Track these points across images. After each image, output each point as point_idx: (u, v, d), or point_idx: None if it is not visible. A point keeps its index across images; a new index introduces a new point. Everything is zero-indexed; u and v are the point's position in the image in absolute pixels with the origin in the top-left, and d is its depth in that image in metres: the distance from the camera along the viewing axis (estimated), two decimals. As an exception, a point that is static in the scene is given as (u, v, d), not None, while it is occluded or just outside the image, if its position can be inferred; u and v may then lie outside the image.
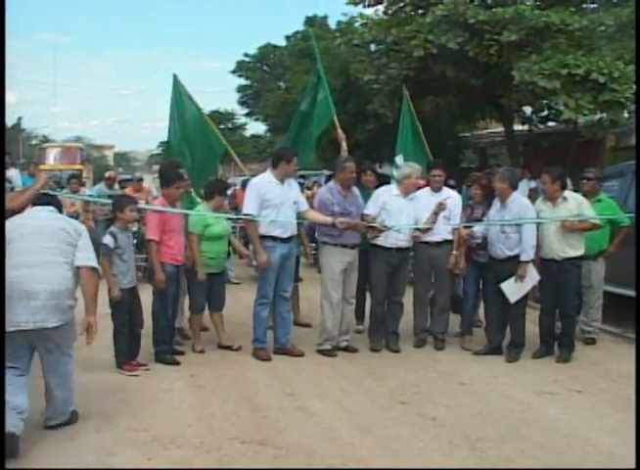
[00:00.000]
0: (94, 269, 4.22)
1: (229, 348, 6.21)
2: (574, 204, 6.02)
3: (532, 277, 5.98)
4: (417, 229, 6.34)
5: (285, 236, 6.02)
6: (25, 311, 3.95)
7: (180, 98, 7.21)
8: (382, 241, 6.28)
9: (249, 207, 5.97)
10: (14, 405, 3.88)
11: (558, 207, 6.03)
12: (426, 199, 6.51)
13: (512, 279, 5.93)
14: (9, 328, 3.92)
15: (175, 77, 7.20)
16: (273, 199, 5.96)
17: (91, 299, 4.17)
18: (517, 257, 5.94)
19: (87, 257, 4.23)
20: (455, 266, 6.38)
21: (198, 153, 7.16)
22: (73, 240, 4.22)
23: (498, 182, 6.07)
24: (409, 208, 6.36)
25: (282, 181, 6.05)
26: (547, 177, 6.05)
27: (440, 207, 6.30)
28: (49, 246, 4.12)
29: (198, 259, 5.94)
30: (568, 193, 6.11)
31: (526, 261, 5.92)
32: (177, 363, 5.79)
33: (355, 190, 6.37)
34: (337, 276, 6.16)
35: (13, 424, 3.82)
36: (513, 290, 5.95)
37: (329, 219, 6.02)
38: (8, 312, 3.90)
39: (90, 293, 4.17)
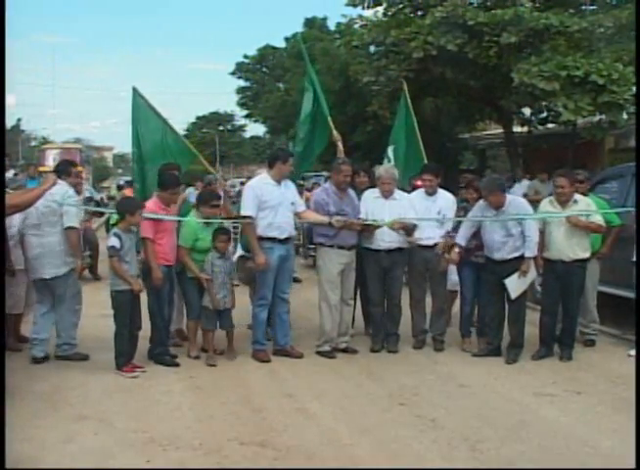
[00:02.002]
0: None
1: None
2: (584, 206, 6.04)
3: (532, 273, 6.00)
4: (407, 233, 6.29)
5: (282, 237, 6.02)
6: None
7: (140, 110, 6.84)
8: (369, 243, 6.30)
9: (247, 209, 5.97)
10: (39, 338, 5.78)
11: (569, 209, 6.02)
12: (419, 201, 6.51)
13: (515, 275, 5.92)
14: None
15: (135, 90, 6.87)
16: (270, 200, 5.97)
17: None
18: (519, 257, 5.95)
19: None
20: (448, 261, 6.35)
21: (155, 166, 6.66)
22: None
23: (490, 196, 5.95)
24: (392, 208, 6.32)
25: (279, 182, 6.06)
26: (564, 180, 5.97)
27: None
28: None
29: (194, 270, 5.86)
30: (578, 196, 6.09)
31: (530, 258, 5.93)
32: (176, 365, 5.78)
33: (351, 192, 6.37)
34: (334, 278, 6.16)
35: (39, 350, 5.80)
36: (515, 286, 5.95)
37: (325, 218, 6.03)
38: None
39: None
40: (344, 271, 6.21)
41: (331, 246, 6.15)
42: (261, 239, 5.98)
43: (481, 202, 6.15)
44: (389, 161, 7.68)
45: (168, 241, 5.86)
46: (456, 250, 6.16)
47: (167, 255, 5.85)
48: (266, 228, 5.96)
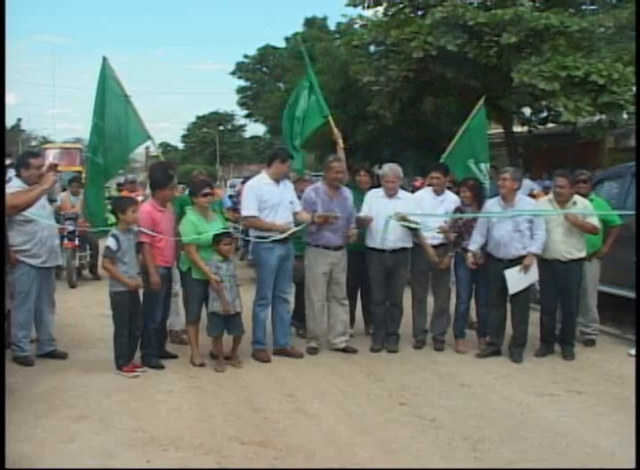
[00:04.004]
0: None
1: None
2: (582, 207, 6.08)
3: (534, 274, 6.00)
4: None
5: (282, 237, 6.03)
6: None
7: (107, 82, 6.59)
8: (373, 243, 6.31)
9: (248, 209, 5.98)
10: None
11: (568, 210, 6.04)
12: (426, 200, 6.50)
13: (516, 268, 5.92)
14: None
15: (105, 59, 6.62)
16: (270, 200, 5.98)
17: None
18: (524, 257, 5.95)
19: None
20: (444, 264, 6.37)
21: (113, 140, 6.57)
22: None
23: (510, 181, 6.01)
24: (397, 208, 6.28)
25: (277, 182, 6.07)
26: (564, 181, 6.03)
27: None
28: None
29: (206, 271, 5.69)
30: (577, 197, 6.13)
31: (534, 254, 5.93)
32: (162, 367, 5.70)
33: (345, 191, 6.34)
34: (317, 277, 6.18)
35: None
36: (515, 280, 5.93)
37: (309, 217, 6.05)
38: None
39: None
40: (333, 272, 6.22)
41: (316, 246, 6.17)
42: (262, 238, 5.99)
43: (492, 200, 6.18)
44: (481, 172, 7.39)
45: (167, 243, 5.82)
46: (469, 254, 6.16)
47: (166, 256, 5.82)
48: None
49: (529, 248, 5.94)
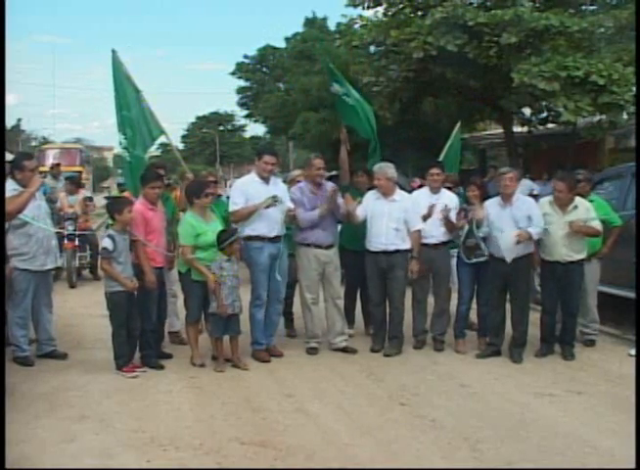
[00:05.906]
0: None
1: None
2: (584, 210, 6.07)
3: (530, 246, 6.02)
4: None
5: (272, 235, 5.98)
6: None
7: (121, 74, 6.54)
8: (368, 244, 6.31)
9: (235, 205, 5.96)
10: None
11: (569, 214, 6.03)
12: (423, 199, 6.48)
13: (513, 234, 5.86)
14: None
15: (114, 53, 6.54)
16: (255, 197, 5.92)
17: None
18: (525, 256, 5.95)
19: None
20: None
21: (137, 132, 6.56)
22: None
23: (510, 181, 6.03)
24: (392, 209, 6.27)
25: (265, 180, 6.04)
26: (563, 185, 5.98)
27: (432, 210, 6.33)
28: None
29: (205, 272, 5.68)
30: (578, 200, 6.11)
31: (530, 233, 5.89)
32: (162, 367, 5.71)
33: (327, 186, 6.28)
34: (310, 277, 6.19)
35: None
36: (508, 242, 5.89)
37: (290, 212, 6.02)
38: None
39: None
40: (326, 271, 6.22)
41: (307, 245, 6.17)
42: (250, 238, 5.97)
43: (492, 200, 6.19)
44: None
45: (159, 242, 5.81)
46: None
47: (156, 256, 5.80)
48: (255, 226, 5.94)
49: (528, 229, 5.91)
